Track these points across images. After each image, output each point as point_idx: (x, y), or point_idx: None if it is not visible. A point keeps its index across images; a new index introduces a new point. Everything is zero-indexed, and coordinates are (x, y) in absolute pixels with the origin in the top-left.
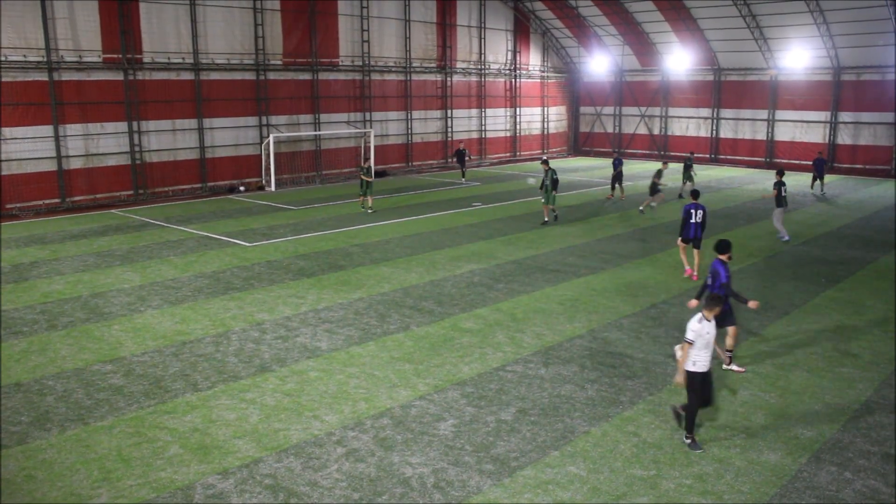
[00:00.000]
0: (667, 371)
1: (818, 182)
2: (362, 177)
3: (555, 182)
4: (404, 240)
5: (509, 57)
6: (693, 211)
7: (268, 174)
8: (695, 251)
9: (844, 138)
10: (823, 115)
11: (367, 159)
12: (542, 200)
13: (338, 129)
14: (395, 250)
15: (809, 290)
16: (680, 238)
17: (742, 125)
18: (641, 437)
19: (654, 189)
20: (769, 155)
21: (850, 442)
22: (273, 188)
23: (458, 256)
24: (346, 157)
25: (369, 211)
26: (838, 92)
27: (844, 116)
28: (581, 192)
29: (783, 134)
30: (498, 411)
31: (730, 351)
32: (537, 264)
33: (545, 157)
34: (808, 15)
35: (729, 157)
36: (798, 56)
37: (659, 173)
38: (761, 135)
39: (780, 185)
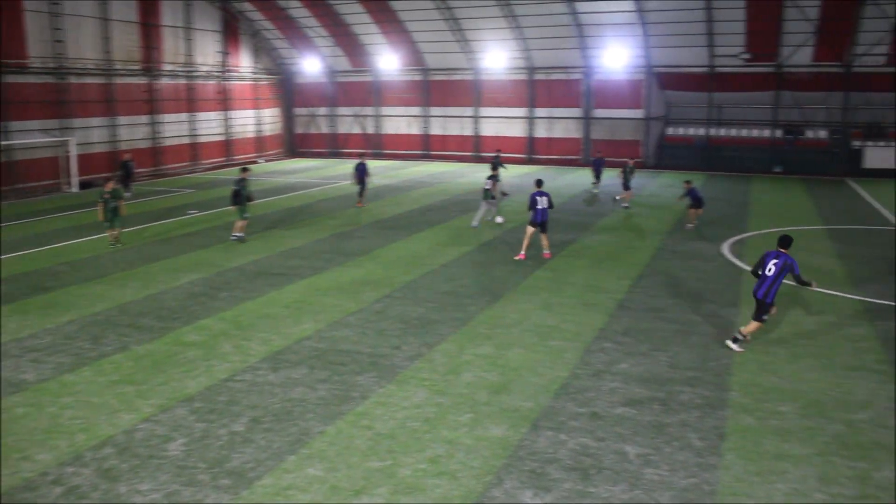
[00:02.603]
0: (394, 363)
1: (597, 180)
2: (102, 202)
3: (237, 194)
4: (117, 254)
5: (219, 58)
6: (538, 198)
7: None
8: (542, 235)
9: (541, 132)
10: (523, 112)
11: (109, 179)
12: (242, 214)
13: (30, 137)
14: (108, 266)
15: (519, 272)
16: (529, 224)
17: (451, 122)
18: (375, 429)
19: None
20: (476, 149)
21: (562, 407)
22: None
23: (176, 267)
24: (42, 170)
25: (117, 245)
26: (533, 90)
27: (539, 112)
28: (301, 193)
29: (488, 129)
30: (230, 423)
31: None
32: (260, 269)
33: (246, 165)
34: (504, 20)
35: (440, 152)
36: (496, 57)
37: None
38: (468, 131)
39: (493, 178)
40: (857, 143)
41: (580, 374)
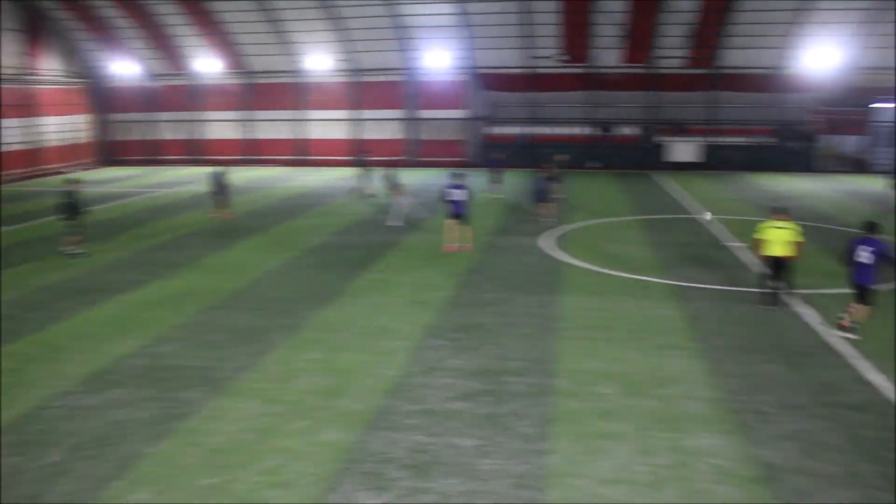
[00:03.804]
0: (225, 375)
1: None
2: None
3: (66, 206)
4: None
5: (20, 60)
6: (453, 190)
7: None
8: (463, 227)
9: (370, 134)
10: (348, 114)
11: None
12: (72, 228)
13: None
14: None
15: (348, 275)
16: (449, 217)
17: (275, 126)
18: (207, 445)
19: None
20: (302, 153)
21: (395, 406)
22: None
23: None
24: None
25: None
26: (358, 92)
27: (366, 114)
28: (117, 203)
29: (315, 133)
30: (45, 455)
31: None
32: (75, 286)
33: (72, 177)
34: (327, 22)
35: (264, 157)
36: (321, 59)
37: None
38: (293, 134)
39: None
40: (662, 139)
41: (412, 373)
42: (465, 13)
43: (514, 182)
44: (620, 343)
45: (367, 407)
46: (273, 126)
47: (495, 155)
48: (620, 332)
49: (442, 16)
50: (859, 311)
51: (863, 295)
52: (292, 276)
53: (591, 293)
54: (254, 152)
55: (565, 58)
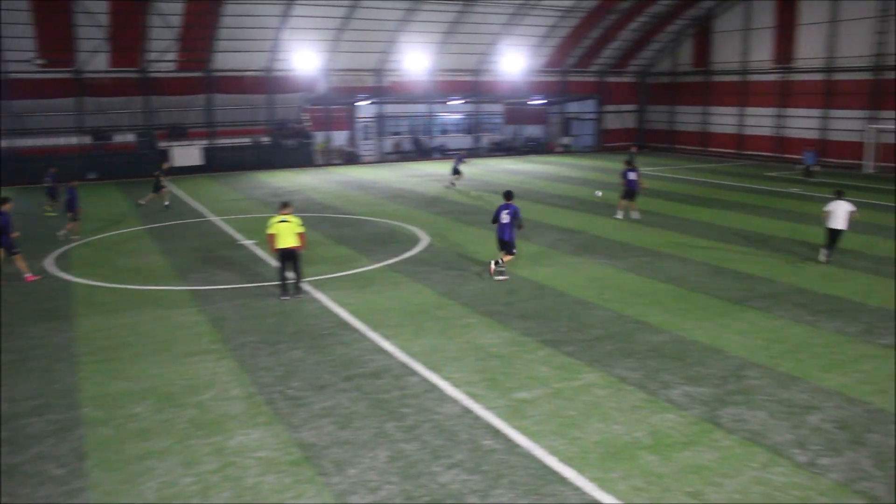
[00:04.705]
0: None
1: None
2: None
3: None
4: None
5: None
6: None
7: None
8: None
9: None
10: None
11: None
12: None
13: None
14: None
15: None
16: None
17: None
18: None
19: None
20: None
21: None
22: None
23: None
24: None
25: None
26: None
27: None
28: None
29: None
30: None
31: None
32: None
33: None
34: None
35: None
36: None
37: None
38: None
39: None
40: (163, 144)
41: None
42: None
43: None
44: (146, 358)
45: None
46: None
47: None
48: (144, 347)
49: None
50: (505, 257)
51: (506, 245)
52: None
53: (108, 311)
54: None
55: (41, 62)
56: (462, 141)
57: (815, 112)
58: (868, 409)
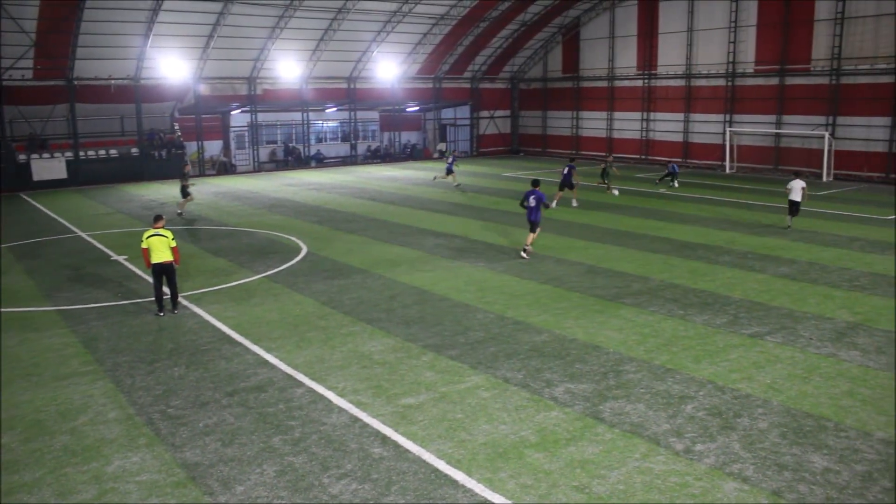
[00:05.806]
0: None
1: None
2: None
3: None
4: None
5: None
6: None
7: None
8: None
9: None
10: None
11: None
12: None
13: None
14: None
15: None
16: None
17: None
18: None
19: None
20: None
21: None
22: None
23: None
24: None
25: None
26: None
27: None
28: None
29: None
30: None
31: None
32: None
33: None
34: None
35: None
36: None
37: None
38: None
39: None
40: (23, 157)
41: None
42: None
43: None
44: (13, 385)
45: None
46: None
47: None
48: (10, 373)
49: None
50: (531, 237)
51: (533, 226)
52: None
53: None
54: None
55: None
56: (338, 149)
57: (679, 116)
58: (736, 395)
